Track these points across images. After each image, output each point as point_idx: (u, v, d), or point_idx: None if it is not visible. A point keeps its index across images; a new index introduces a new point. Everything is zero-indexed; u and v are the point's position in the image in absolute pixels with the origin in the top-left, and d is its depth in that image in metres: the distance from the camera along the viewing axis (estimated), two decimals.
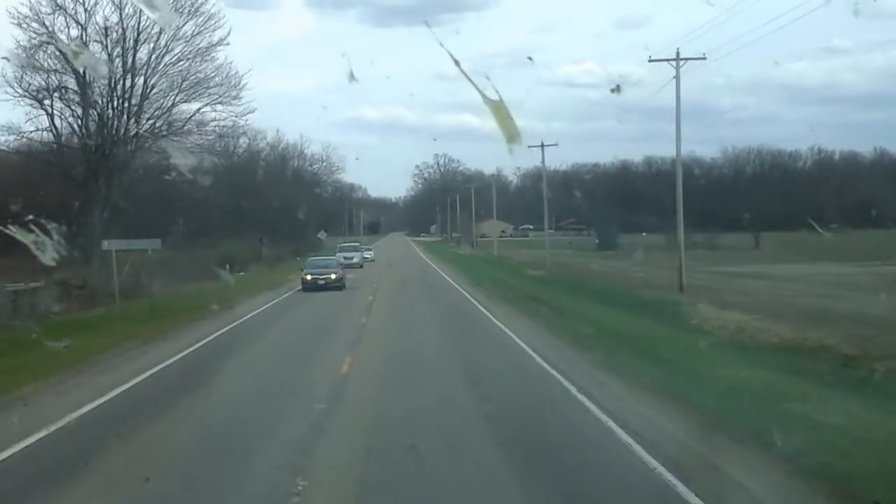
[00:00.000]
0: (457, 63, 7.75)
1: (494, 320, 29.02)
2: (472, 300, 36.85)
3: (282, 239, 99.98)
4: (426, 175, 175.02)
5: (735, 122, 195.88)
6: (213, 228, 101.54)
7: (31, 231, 9.89)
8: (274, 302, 39.63)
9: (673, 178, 46.07)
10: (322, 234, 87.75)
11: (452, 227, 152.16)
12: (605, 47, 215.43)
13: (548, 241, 69.18)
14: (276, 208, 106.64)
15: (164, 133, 46.04)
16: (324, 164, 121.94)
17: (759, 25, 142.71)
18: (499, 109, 7.50)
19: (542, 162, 65.35)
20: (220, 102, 46.33)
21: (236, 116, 48.09)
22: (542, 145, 64.82)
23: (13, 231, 10.00)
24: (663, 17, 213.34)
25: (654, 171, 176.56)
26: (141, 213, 74.19)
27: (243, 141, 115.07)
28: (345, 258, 62.46)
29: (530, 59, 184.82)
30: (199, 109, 46.43)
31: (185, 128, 46.40)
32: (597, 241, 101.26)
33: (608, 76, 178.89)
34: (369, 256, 72.51)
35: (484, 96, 7.44)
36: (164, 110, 45.38)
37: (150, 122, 45.11)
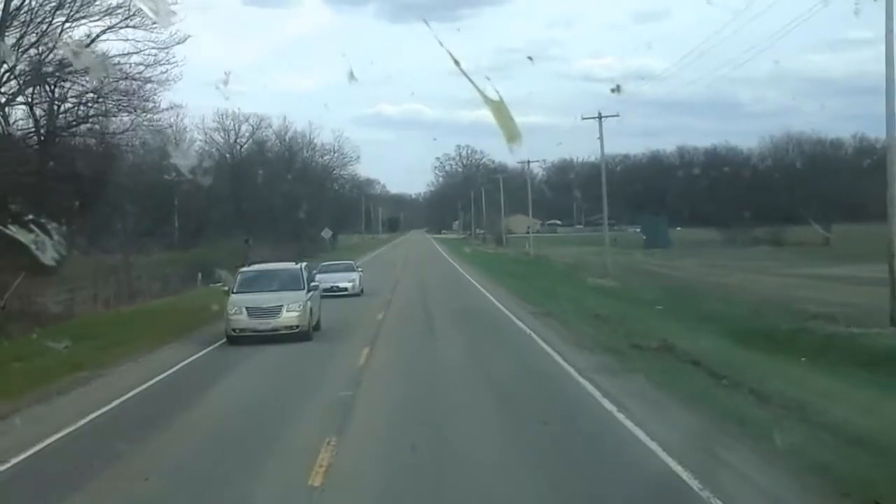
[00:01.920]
0: (457, 63, 7.38)
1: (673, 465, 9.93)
2: (557, 357, 18.48)
3: (287, 238, 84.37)
4: (447, 168, 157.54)
5: (755, 115, 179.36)
6: (211, 228, 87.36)
7: (31, 231, 9.22)
8: (170, 372, 18.70)
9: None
10: (326, 233, 71.79)
11: (477, 223, 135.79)
12: (623, 41, 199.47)
13: (608, 238, 52.68)
14: (280, 204, 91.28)
15: (49, 72, 29.57)
16: (335, 154, 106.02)
17: (772, 17, 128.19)
18: (499, 110, 7.04)
19: (601, 137, 49.17)
20: (128, 25, 29.74)
21: (158, 48, 31.45)
22: (600, 116, 48.74)
23: (13, 231, 9.45)
24: (680, 10, 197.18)
25: (687, 162, 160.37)
26: (138, 213, 63.24)
27: (245, 129, 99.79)
28: (250, 312, 23.20)
29: (530, 59, 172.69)
30: (98, 36, 29.82)
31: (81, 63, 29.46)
32: (644, 237, 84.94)
33: (625, 70, 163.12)
34: (349, 287, 37.26)
35: (484, 96, 7.02)
36: (40, 35, 28.40)
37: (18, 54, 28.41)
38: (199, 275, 45.34)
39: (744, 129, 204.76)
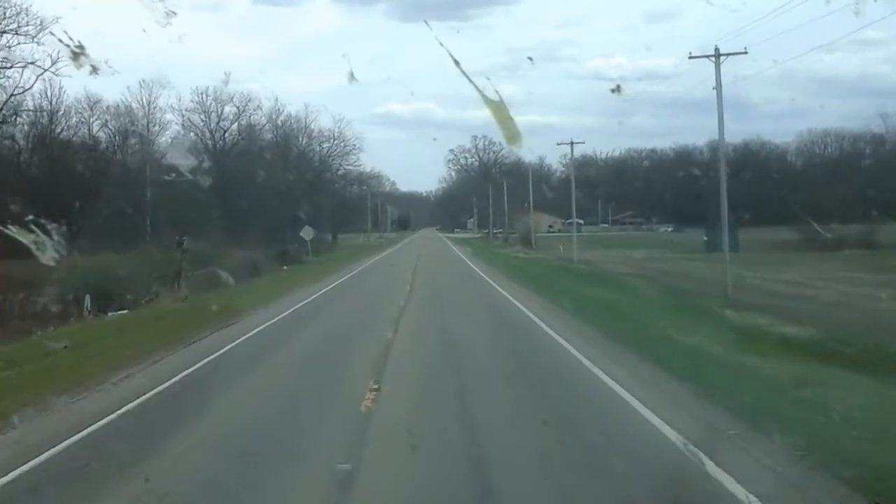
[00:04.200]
0: (457, 63, 6.89)
1: None
2: None
3: (275, 238, 66.04)
4: (462, 161, 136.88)
5: (767, 115, 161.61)
6: (189, 225, 69.89)
7: (31, 231, 8.81)
8: None
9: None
10: (307, 233, 53.25)
11: (496, 222, 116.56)
12: (635, 41, 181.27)
13: (727, 244, 34.09)
14: (270, 198, 73.00)
15: None
16: (335, 141, 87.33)
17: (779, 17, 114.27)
18: (499, 110, 6.65)
19: (718, 86, 29.65)
20: None
21: None
22: (718, 54, 29.22)
23: (13, 231, 8.89)
24: (690, 10, 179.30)
25: (718, 157, 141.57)
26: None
27: (230, 111, 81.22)
28: None
29: (530, 59, 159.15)
30: None
31: None
32: (704, 238, 66.06)
33: (637, 69, 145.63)
34: None
35: (484, 97, 6.60)
36: None
37: None
38: (87, 298, 26.74)
39: (755, 129, 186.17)
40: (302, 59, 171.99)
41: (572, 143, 59.48)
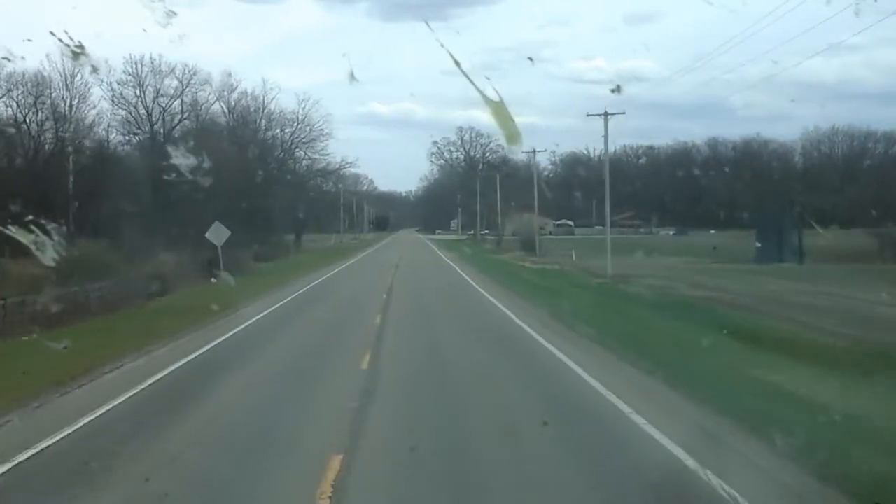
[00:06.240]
0: (457, 63, 6.56)
1: None
2: None
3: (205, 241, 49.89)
4: (447, 155, 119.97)
5: (746, 119, 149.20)
6: (121, 216, 56.06)
7: (31, 231, 8.36)
8: None
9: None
10: (216, 234, 37.01)
11: (488, 223, 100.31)
12: (615, 42, 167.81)
13: None
14: (217, 192, 56.80)
15: None
16: (300, 125, 71.08)
17: (764, 21, 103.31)
18: (499, 110, 6.34)
19: None
20: None
21: None
22: None
23: (13, 231, 8.40)
24: (672, 13, 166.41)
25: (720, 155, 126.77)
26: None
27: (171, 85, 65.04)
28: None
29: (530, 59, 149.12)
30: None
31: None
32: (757, 245, 50.74)
33: (617, 72, 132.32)
34: None
35: (484, 96, 6.27)
36: None
37: None
38: None
39: (737, 132, 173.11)
40: (279, 57, 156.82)
41: (606, 115, 43.82)
